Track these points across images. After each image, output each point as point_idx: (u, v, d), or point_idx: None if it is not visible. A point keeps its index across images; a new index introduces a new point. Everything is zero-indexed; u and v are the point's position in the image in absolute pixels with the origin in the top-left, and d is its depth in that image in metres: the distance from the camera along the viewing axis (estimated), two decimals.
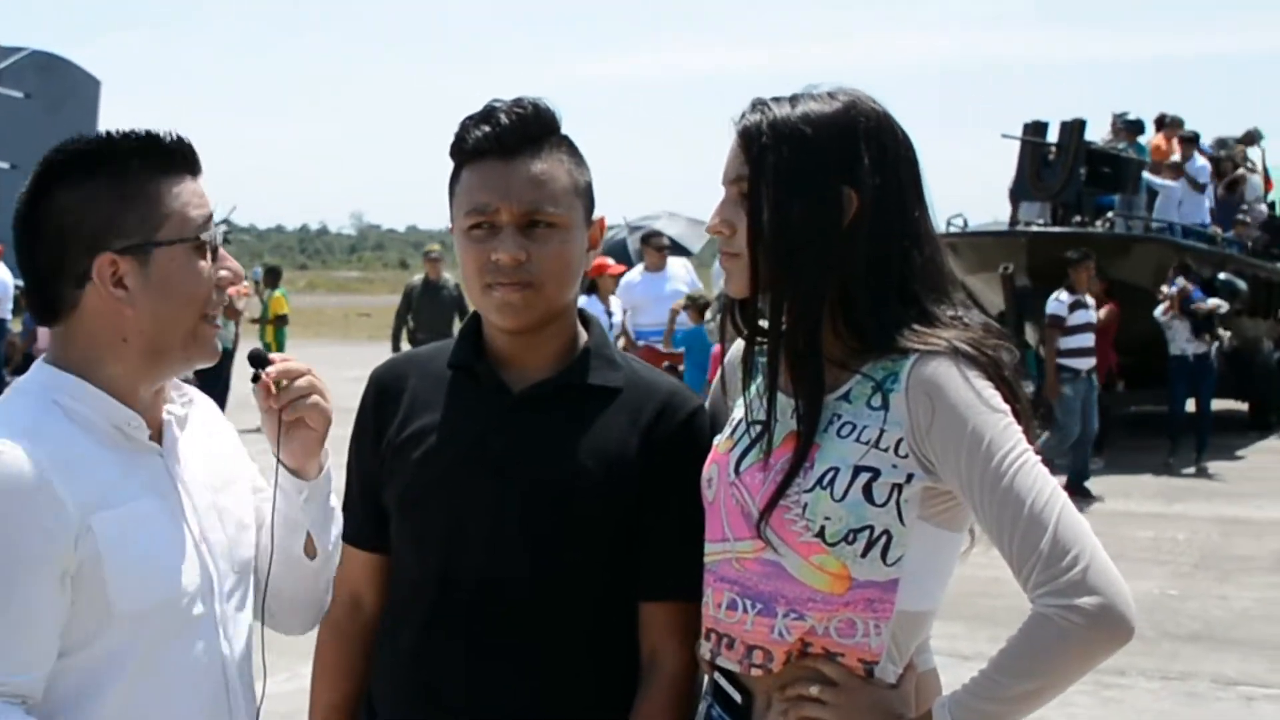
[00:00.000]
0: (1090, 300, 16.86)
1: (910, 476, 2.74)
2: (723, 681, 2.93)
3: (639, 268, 18.05)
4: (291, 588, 3.04)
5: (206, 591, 2.85)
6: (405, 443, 3.12)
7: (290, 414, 2.91)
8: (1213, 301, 18.73)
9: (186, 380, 3.01)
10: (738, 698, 2.91)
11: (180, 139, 2.84)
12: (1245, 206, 24.90)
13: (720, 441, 2.97)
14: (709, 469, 2.97)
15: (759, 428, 2.88)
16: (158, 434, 2.86)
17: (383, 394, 3.23)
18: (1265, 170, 27.45)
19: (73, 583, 2.65)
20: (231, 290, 2.89)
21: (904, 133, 2.90)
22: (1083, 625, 2.53)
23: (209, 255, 2.83)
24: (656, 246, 17.71)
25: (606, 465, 3.02)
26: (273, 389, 2.89)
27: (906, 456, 2.73)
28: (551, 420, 3.04)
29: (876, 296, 2.81)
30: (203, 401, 3.08)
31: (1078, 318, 16.51)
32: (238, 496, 3.02)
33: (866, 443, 2.75)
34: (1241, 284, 20.71)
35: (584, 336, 3.15)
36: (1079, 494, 15.94)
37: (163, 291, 2.78)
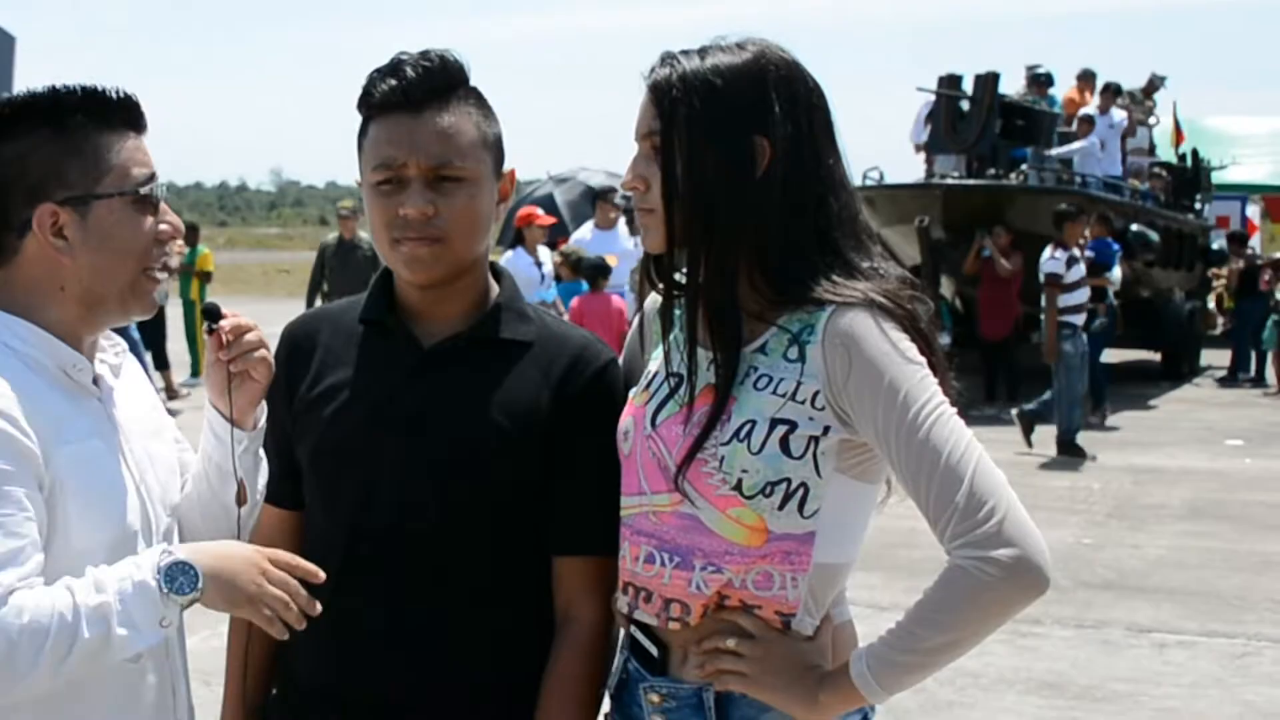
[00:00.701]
0: (1079, 255, 16.47)
1: (827, 429, 2.73)
2: (639, 635, 2.95)
3: (589, 225, 17.63)
4: (217, 536, 3.01)
5: (146, 532, 2.88)
6: (317, 399, 3.12)
7: (238, 366, 2.92)
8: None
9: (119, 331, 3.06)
10: (654, 651, 2.92)
11: (126, 95, 2.85)
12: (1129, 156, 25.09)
13: (636, 394, 2.98)
14: (625, 422, 2.97)
15: (675, 381, 2.88)
16: (93, 381, 2.88)
17: (294, 350, 3.22)
18: (1176, 122, 27.71)
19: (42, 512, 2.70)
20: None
21: (814, 81, 2.89)
22: (999, 577, 2.54)
23: (151, 211, 2.84)
24: (612, 204, 17.22)
25: (518, 419, 3.01)
26: (225, 341, 2.92)
27: (823, 409, 2.72)
28: (463, 375, 3.04)
29: (793, 246, 2.79)
30: (132, 362, 3.11)
31: (1074, 274, 16.14)
32: (166, 445, 3.06)
33: (783, 395, 2.74)
34: (1154, 235, 20.90)
35: (495, 290, 3.15)
36: (1071, 451, 15.88)
37: (100, 243, 2.80)
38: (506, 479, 3.01)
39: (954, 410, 2.68)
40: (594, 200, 18.28)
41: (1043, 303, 16.23)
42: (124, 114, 2.86)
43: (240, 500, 3.01)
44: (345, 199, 23.10)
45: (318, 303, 19.21)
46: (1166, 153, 27.26)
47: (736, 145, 2.79)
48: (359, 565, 3.02)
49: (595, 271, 14.82)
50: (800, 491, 2.74)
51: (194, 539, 3.02)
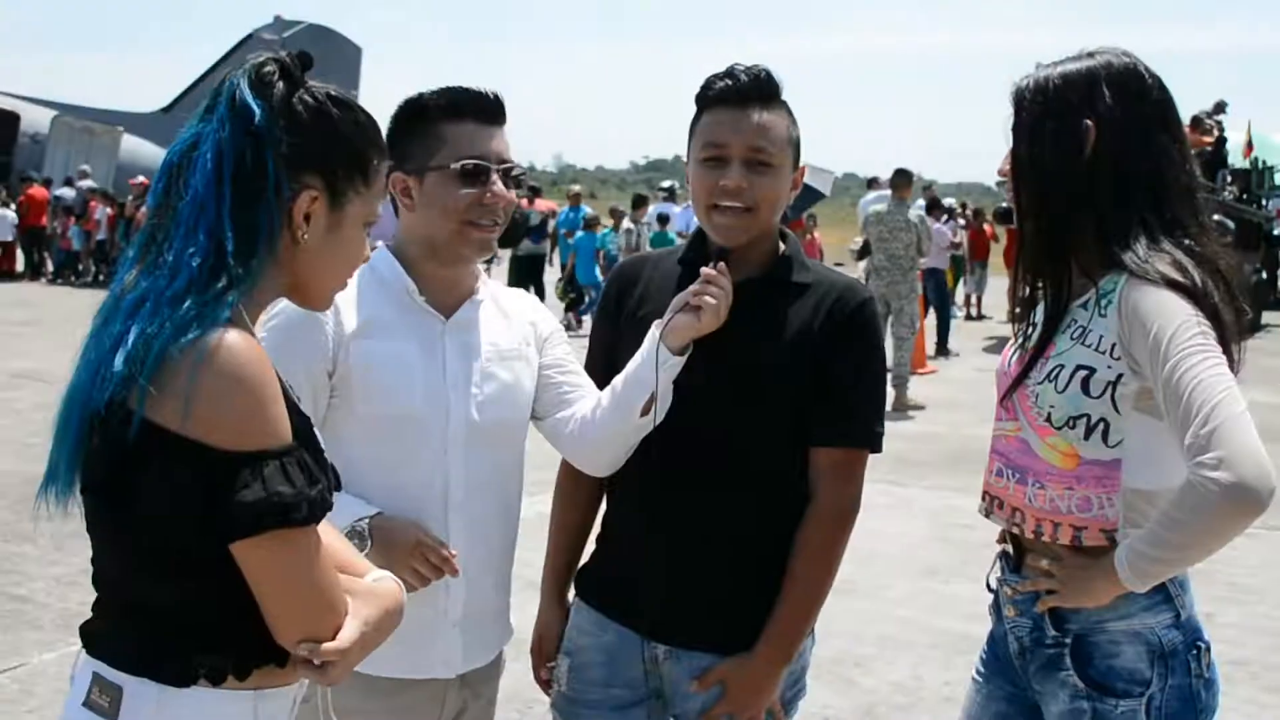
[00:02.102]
0: None
1: (1121, 376, 2.59)
2: (1007, 537, 2.89)
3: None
4: (611, 432, 2.96)
5: (438, 421, 2.86)
6: (640, 319, 3.04)
7: (696, 300, 2.85)
8: None
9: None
10: (1010, 550, 2.88)
11: (478, 92, 2.89)
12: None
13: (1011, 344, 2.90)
14: (999, 364, 2.89)
15: (1032, 329, 2.81)
16: (455, 309, 2.95)
17: (624, 281, 3.18)
18: (1250, 137, 27.46)
19: (335, 384, 2.81)
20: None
21: (1153, 75, 2.72)
22: (1218, 494, 2.34)
23: (477, 182, 2.86)
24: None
25: (797, 339, 2.94)
26: (713, 274, 2.87)
27: (1119, 359, 2.59)
28: (760, 306, 2.97)
29: (1122, 215, 2.65)
30: (519, 299, 3.16)
31: None
32: (512, 370, 3.00)
33: (1089, 345, 2.63)
34: (1230, 224, 20.93)
35: (782, 247, 3.08)
36: None
37: (427, 203, 2.88)
38: (785, 386, 2.95)
39: (1215, 358, 2.45)
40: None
41: None
42: (474, 107, 2.88)
43: (645, 409, 2.88)
44: (612, 179, 23.61)
45: None
46: (1238, 161, 27.15)
47: (1065, 127, 2.68)
48: (662, 453, 2.97)
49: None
50: (1100, 425, 2.62)
51: (601, 426, 2.98)
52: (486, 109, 2.88)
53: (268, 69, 2.08)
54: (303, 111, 2.10)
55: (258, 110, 2.04)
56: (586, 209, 23.28)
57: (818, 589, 2.96)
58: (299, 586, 1.99)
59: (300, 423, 2.07)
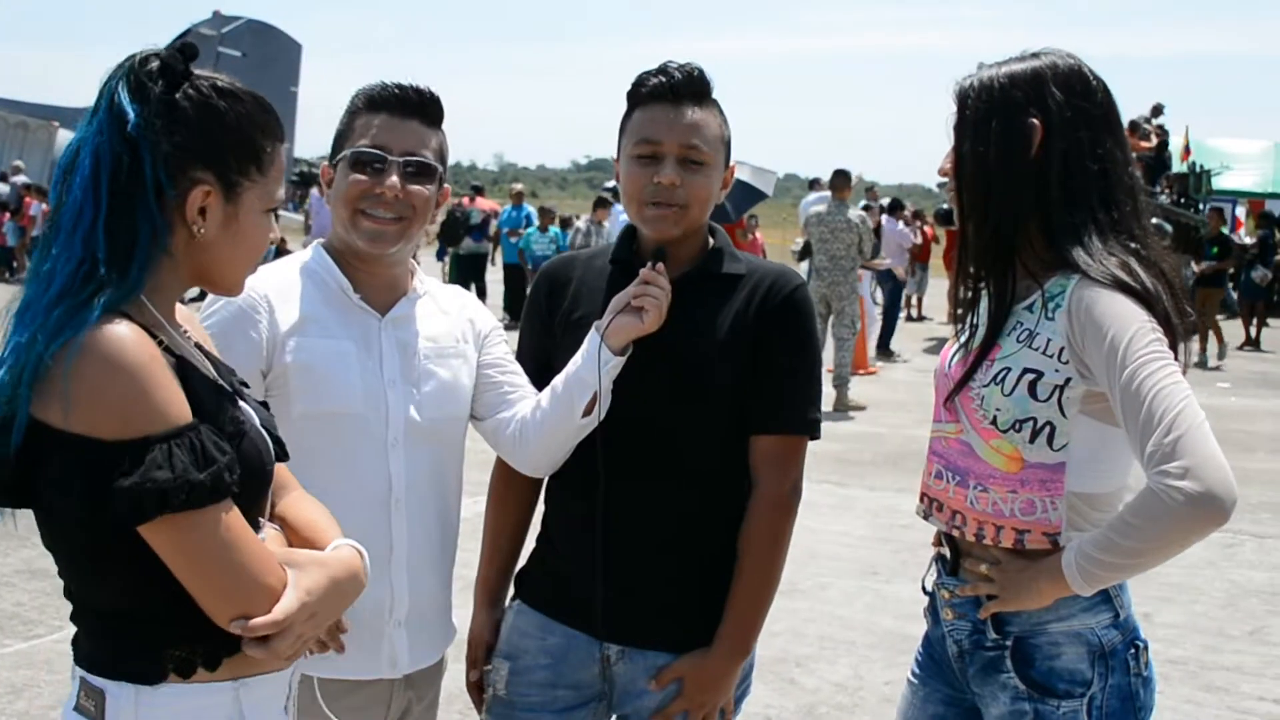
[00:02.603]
0: None
1: (1069, 380, 2.55)
2: (943, 539, 2.86)
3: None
4: (552, 433, 2.93)
5: (377, 419, 2.82)
6: (575, 322, 3.02)
7: (637, 301, 2.85)
8: None
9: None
10: (947, 553, 2.84)
11: (398, 86, 2.87)
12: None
13: (951, 342, 2.87)
14: (939, 365, 2.85)
15: (972, 330, 2.77)
16: (391, 307, 2.91)
17: (553, 284, 3.13)
18: (1187, 142, 27.86)
19: (270, 383, 2.76)
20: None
21: (1097, 78, 2.68)
22: (1182, 503, 2.31)
23: (369, 170, 2.82)
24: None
25: (732, 331, 2.92)
26: (647, 279, 2.86)
27: (1067, 362, 2.54)
28: (695, 301, 2.95)
29: (1069, 216, 2.61)
30: (456, 296, 3.12)
31: None
32: (450, 367, 2.97)
33: (1036, 349, 2.58)
34: (1168, 226, 21.18)
35: (711, 241, 3.06)
36: None
37: (333, 194, 2.89)
38: (721, 376, 2.91)
39: (1172, 366, 2.42)
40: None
41: None
42: (399, 103, 2.86)
43: (588, 410, 2.86)
44: (553, 178, 23.82)
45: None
46: (1176, 165, 27.50)
47: (1011, 126, 2.63)
48: (603, 443, 2.92)
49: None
50: (1047, 429, 2.57)
51: (542, 429, 2.94)
52: (403, 102, 2.86)
53: (149, 67, 2.06)
54: (187, 107, 2.07)
55: (132, 114, 2.01)
56: (529, 207, 23.31)
57: (768, 579, 2.94)
58: (213, 566, 1.97)
59: (215, 403, 2.07)
